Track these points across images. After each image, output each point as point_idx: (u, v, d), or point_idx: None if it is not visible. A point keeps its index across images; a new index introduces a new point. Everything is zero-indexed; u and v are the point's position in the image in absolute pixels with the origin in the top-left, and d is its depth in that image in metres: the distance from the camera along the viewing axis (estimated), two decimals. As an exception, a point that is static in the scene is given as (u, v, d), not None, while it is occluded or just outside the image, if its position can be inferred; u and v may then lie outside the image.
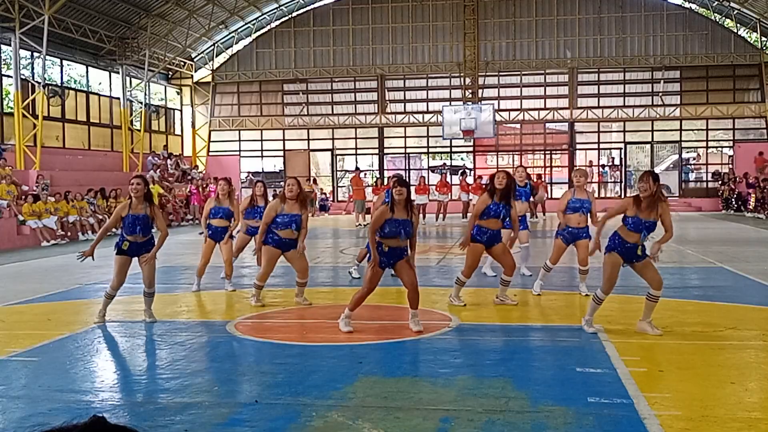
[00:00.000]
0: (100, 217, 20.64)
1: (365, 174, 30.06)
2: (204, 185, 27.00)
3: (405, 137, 31.91)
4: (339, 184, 32.37)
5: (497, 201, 8.19)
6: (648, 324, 6.84)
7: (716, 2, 29.30)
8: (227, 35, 31.88)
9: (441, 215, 24.68)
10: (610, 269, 6.78)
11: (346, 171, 32.19)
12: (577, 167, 10.86)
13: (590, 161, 30.80)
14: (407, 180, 7.67)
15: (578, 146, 31.05)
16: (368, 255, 7.24)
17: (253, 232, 10.43)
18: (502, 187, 8.18)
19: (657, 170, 27.25)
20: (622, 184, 30.66)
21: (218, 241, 9.86)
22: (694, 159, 31.51)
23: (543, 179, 27.46)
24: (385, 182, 22.10)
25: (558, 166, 30.98)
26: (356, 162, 31.92)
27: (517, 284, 9.96)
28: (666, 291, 7.11)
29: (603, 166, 31.73)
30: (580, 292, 9.08)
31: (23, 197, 18.62)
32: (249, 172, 31.10)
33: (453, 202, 26.34)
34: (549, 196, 25.51)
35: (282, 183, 30.46)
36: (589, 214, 8.98)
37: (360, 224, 22.70)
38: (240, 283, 10.41)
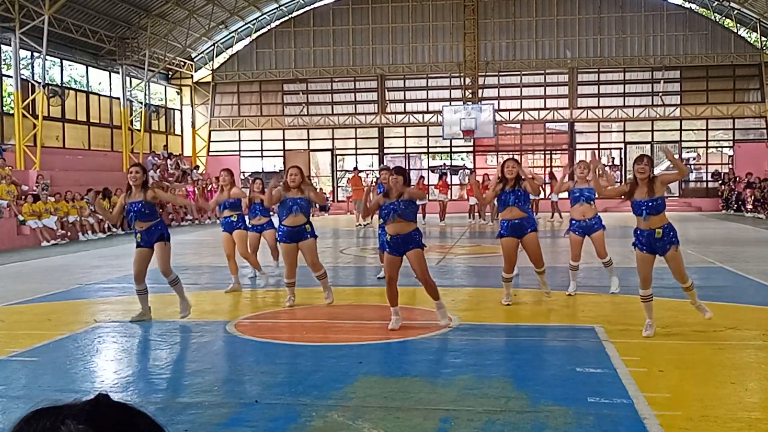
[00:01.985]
0: (100, 217, 20.65)
1: (367, 174, 30.05)
2: (203, 186, 26.99)
3: (405, 137, 31.92)
4: (339, 184, 32.37)
5: (509, 189, 8.15)
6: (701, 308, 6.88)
7: (716, 2, 29.29)
8: (227, 35, 31.88)
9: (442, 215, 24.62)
10: (638, 265, 6.84)
11: (346, 171, 32.24)
12: (580, 160, 10.84)
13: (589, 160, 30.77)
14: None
15: (578, 146, 31.04)
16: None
17: (257, 229, 10.48)
18: (513, 176, 8.17)
19: (657, 170, 27.20)
20: (622, 184, 30.64)
21: (230, 232, 9.91)
22: (694, 159, 31.51)
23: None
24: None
25: (558, 166, 30.95)
26: (356, 162, 31.93)
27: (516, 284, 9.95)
28: (666, 291, 7.11)
29: (603, 166, 31.70)
30: (611, 291, 9.03)
31: (23, 197, 18.62)
32: (245, 172, 31.03)
33: (453, 202, 26.34)
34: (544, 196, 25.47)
35: (282, 183, 30.46)
36: (594, 202, 9.03)
37: (360, 224, 22.68)
38: (241, 282, 10.38)
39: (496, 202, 8.69)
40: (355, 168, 28.11)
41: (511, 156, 8.91)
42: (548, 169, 30.74)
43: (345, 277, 12.01)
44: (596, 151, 7.88)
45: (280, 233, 8.44)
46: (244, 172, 30.76)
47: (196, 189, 26.46)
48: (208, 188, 27.01)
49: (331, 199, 31.24)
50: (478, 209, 24.57)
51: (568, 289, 9.05)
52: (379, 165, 31.05)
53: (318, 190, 29.56)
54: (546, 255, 10.08)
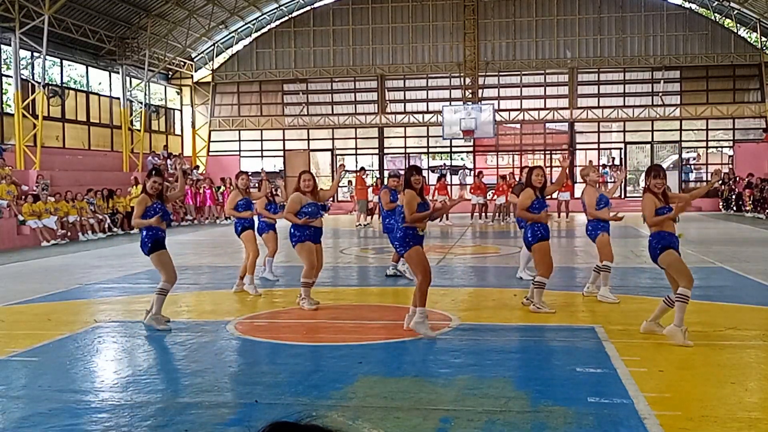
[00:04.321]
0: (100, 217, 20.65)
1: (366, 174, 30.01)
2: (200, 186, 26.87)
3: (405, 137, 31.91)
4: (339, 184, 32.29)
5: (539, 196, 8.14)
6: (657, 325, 6.68)
7: (716, 2, 29.29)
8: (227, 35, 31.88)
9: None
10: (680, 263, 6.55)
11: (346, 171, 32.22)
12: (591, 164, 10.70)
13: (590, 161, 30.76)
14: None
15: (578, 146, 31.05)
16: (406, 247, 7.05)
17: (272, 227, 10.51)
18: (542, 184, 8.17)
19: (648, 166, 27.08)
20: (622, 184, 30.64)
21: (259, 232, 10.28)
22: (694, 159, 31.50)
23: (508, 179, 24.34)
24: (385, 181, 22.02)
25: (558, 166, 30.94)
26: (356, 162, 31.98)
27: (515, 286, 9.96)
28: (667, 291, 7.08)
29: (603, 166, 31.71)
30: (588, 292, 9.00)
31: (23, 197, 18.62)
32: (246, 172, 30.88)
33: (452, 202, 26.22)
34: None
35: (282, 183, 30.48)
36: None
37: (360, 224, 22.63)
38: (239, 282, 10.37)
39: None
40: (362, 168, 27.97)
41: (538, 165, 8.76)
42: (548, 169, 30.72)
43: (345, 277, 12.02)
44: (565, 153, 7.76)
45: (304, 234, 8.38)
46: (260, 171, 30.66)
47: (193, 188, 26.43)
48: (202, 189, 26.86)
49: (331, 198, 31.17)
50: (481, 209, 24.54)
51: (611, 296, 8.65)
52: (380, 167, 31.11)
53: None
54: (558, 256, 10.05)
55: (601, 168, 31.54)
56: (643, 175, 7.09)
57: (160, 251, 7.47)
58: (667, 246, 6.52)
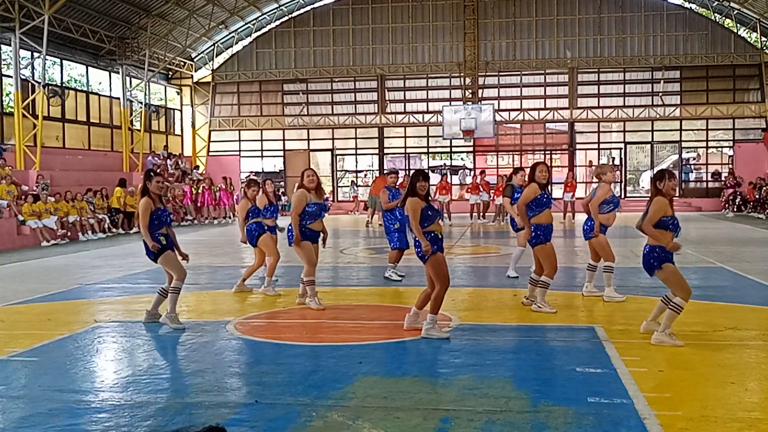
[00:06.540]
0: (100, 217, 20.65)
1: (365, 174, 30.03)
2: (200, 187, 26.81)
3: (405, 137, 31.92)
4: (339, 185, 32.37)
5: (545, 191, 8.06)
6: (667, 335, 6.44)
7: (716, 2, 29.30)
8: (227, 35, 31.88)
9: (447, 215, 24.28)
10: (678, 276, 6.44)
11: (346, 171, 32.23)
12: (603, 163, 10.65)
13: (590, 161, 30.80)
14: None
15: (578, 146, 31.05)
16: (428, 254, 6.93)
17: (272, 230, 10.24)
18: (546, 181, 8.11)
19: (657, 169, 27.10)
20: (622, 184, 30.65)
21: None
22: (694, 159, 31.50)
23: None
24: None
25: (558, 166, 30.93)
26: (356, 162, 31.97)
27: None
28: (667, 291, 7.08)
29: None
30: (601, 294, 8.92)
31: (23, 197, 18.62)
32: (251, 172, 30.91)
33: (455, 201, 26.32)
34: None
35: (282, 183, 30.51)
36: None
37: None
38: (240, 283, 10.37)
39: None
40: (392, 169, 27.88)
41: (541, 162, 8.60)
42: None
43: (345, 277, 12.01)
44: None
45: (304, 233, 8.36)
46: (244, 173, 30.71)
47: (193, 189, 26.41)
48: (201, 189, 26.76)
49: (330, 199, 31.19)
50: (479, 209, 24.52)
51: (618, 295, 8.67)
52: (380, 167, 31.11)
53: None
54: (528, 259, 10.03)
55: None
56: (650, 178, 6.90)
57: (165, 253, 7.50)
58: (664, 260, 6.44)
